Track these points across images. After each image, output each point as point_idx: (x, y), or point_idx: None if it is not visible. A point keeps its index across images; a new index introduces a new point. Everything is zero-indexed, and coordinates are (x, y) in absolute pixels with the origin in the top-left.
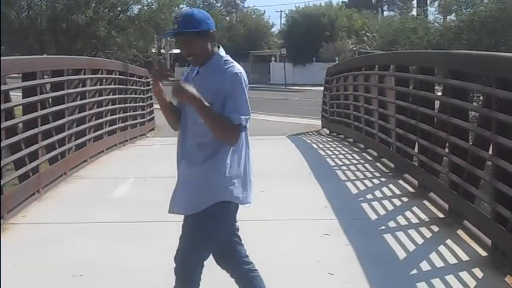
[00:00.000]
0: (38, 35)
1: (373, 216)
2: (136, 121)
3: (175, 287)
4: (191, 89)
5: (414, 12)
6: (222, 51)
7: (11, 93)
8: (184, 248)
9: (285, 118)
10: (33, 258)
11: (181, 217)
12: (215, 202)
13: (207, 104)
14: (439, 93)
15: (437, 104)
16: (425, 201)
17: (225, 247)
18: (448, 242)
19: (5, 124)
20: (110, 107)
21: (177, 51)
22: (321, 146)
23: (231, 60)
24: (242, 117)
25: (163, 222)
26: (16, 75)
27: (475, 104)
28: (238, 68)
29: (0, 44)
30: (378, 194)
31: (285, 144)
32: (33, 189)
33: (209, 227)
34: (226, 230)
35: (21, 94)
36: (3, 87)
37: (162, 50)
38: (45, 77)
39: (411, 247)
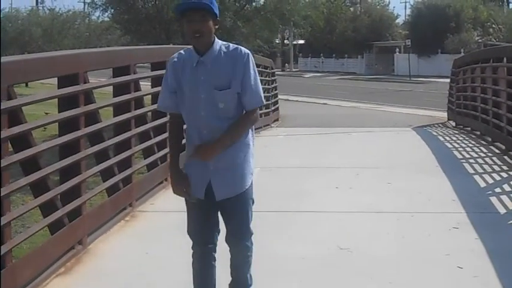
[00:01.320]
0: (165, 25)
1: (502, 210)
2: (261, 111)
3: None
4: (211, 148)
5: None
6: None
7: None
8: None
9: (410, 110)
10: (163, 246)
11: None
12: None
13: (222, 141)
14: None
15: None
16: None
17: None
18: None
19: (135, 113)
20: None
21: (301, 41)
22: (447, 138)
23: (230, 43)
24: (260, 100)
25: (293, 212)
26: (142, 64)
27: None
28: (245, 49)
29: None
30: (506, 187)
31: (410, 136)
32: (161, 177)
33: (250, 204)
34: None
35: (150, 84)
36: (134, 76)
37: (285, 41)
38: None
39: None
